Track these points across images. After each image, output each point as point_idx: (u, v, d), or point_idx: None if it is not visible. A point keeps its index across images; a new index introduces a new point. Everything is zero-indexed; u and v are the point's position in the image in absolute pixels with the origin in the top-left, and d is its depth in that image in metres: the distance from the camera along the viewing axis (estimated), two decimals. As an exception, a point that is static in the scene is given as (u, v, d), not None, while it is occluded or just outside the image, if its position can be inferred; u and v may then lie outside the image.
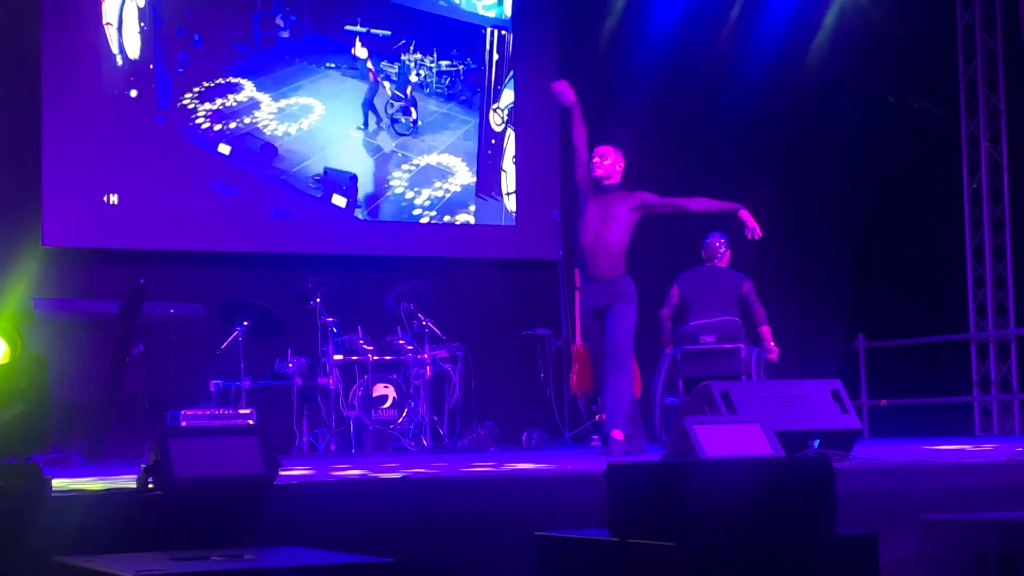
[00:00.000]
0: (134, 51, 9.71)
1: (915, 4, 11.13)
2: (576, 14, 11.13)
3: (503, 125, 10.96)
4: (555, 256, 9.94)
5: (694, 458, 4.97)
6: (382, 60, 10.56)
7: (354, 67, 10.47)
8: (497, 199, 10.84)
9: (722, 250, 9.10)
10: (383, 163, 10.50)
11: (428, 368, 9.19)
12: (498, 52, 10.99)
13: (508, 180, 10.93)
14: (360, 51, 10.41)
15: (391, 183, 10.48)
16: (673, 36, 11.04)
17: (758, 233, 7.92)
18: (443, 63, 10.82)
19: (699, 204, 8.06)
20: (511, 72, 10.99)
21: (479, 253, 10.62)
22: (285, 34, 10.24)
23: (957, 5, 11.28)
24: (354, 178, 10.35)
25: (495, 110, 10.93)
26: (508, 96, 10.98)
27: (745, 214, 7.98)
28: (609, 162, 7.89)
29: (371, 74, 10.48)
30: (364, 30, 10.50)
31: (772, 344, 8.78)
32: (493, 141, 10.90)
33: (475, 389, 9.45)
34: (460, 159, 10.76)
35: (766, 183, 11.22)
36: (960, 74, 11.28)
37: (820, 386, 6.20)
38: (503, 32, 11.02)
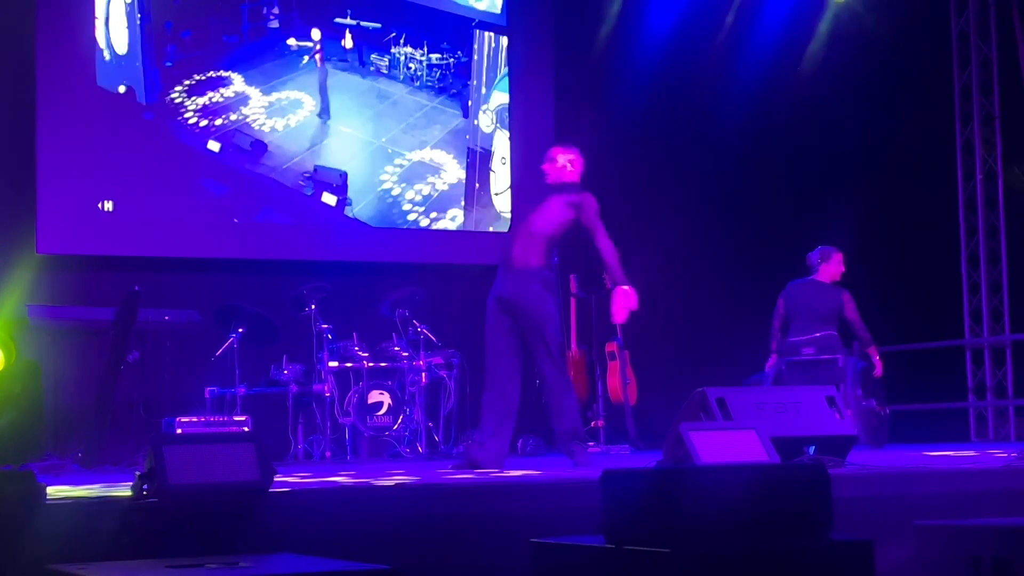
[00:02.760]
0: (122, 46, 9.67)
1: (909, 10, 11.15)
2: (571, 18, 11.13)
3: (492, 126, 10.96)
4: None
5: (690, 464, 4.97)
6: (372, 52, 10.56)
7: (344, 59, 10.44)
8: (485, 198, 10.85)
9: (818, 263, 9.07)
10: (373, 159, 10.48)
11: (423, 374, 9.18)
12: (489, 52, 11.00)
13: (497, 180, 10.94)
14: (315, 33, 10.33)
15: (381, 179, 10.48)
16: (668, 41, 11.06)
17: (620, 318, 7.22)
18: (433, 56, 10.82)
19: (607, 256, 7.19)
20: (501, 73, 10.98)
21: (474, 259, 10.61)
22: (275, 24, 10.18)
23: (951, 11, 11.30)
24: (344, 175, 10.33)
25: (484, 111, 10.93)
26: (497, 97, 10.97)
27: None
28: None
29: (318, 57, 10.42)
30: (354, 22, 10.50)
31: (876, 359, 8.96)
32: (481, 144, 10.90)
33: (470, 395, 9.43)
34: (451, 155, 10.76)
35: (760, 188, 11.24)
36: (955, 80, 11.30)
37: (815, 392, 6.21)
38: (493, 33, 11.01)
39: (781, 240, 10.61)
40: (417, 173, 10.61)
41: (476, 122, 10.86)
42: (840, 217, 11.31)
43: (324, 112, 10.41)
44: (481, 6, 10.95)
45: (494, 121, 10.96)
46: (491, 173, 10.92)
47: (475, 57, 10.93)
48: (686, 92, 11.11)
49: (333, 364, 9.01)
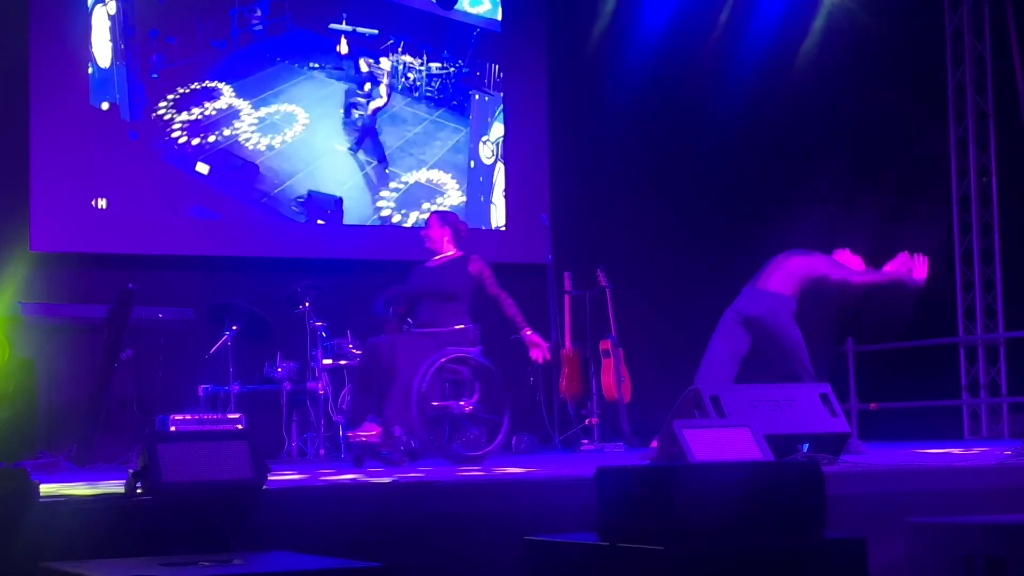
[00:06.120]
0: (104, 60, 9.43)
1: (904, 8, 11.16)
2: (565, 15, 11.12)
3: (493, 158, 10.79)
4: (544, 260, 9.95)
5: (683, 462, 4.97)
6: (369, 60, 10.39)
7: (340, 67, 10.19)
8: (486, 230, 10.75)
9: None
10: (370, 181, 10.28)
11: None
12: (492, 80, 10.77)
13: (497, 213, 10.81)
14: (384, 63, 10.25)
15: (377, 204, 10.28)
16: (662, 40, 11.05)
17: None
18: (433, 65, 10.60)
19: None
20: (500, 103, 10.83)
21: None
22: (259, 27, 9.88)
23: (945, 9, 11.31)
24: (339, 202, 10.09)
25: (484, 142, 10.76)
26: (498, 129, 10.77)
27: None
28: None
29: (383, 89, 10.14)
30: (350, 28, 10.21)
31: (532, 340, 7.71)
32: (482, 175, 10.74)
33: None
34: (450, 175, 10.58)
35: (754, 186, 11.25)
36: (948, 78, 11.31)
37: (809, 390, 6.21)
38: (498, 66, 10.77)
39: (775, 238, 10.59)
40: (416, 197, 10.37)
41: (477, 153, 10.66)
42: (834, 214, 11.33)
43: (382, 160, 10.21)
44: (480, 11, 10.78)
45: (495, 153, 10.79)
46: (492, 206, 10.81)
47: (477, 74, 10.67)
48: (680, 91, 11.11)
49: (327, 362, 8.98)
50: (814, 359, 8.21)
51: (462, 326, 7.37)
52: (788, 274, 7.48)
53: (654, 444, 7.18)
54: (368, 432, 7.00)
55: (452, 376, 7.22)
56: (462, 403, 7.22)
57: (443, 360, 7.07)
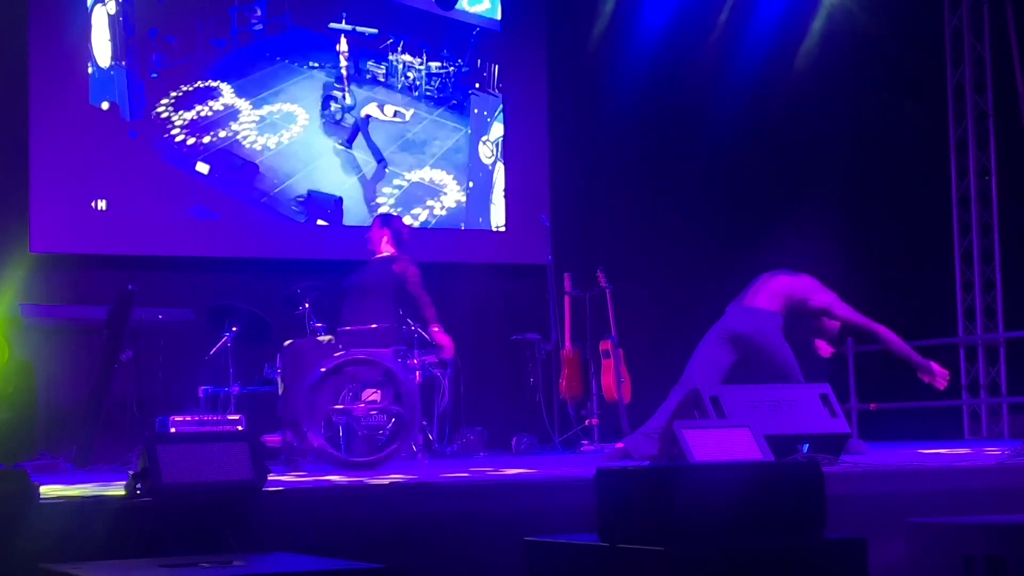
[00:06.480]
0: (104, 59, 9.44)
1: (903, 9, 11.16)
2: (565, 15, 11.12)
3: (493, 158, 10.80)
4: (544, 261, 9.95)
5: (683, 462, 4.97)
6: (369, 60, 10.37)
7: (338, 66, 10.22)
8: (485, 230, 10.75)
9: None
10: (370, 179, 10.29)
11: (417, 373, 9.15)
12: (492, 81, 10.76)
13: (497, 213, 10.82)
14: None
15: (377, 202, 10.31)
16: (662, 40, 11.06)
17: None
18: (433, 64, 10.60)
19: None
20: (501, 105, 10.83)
21: (469, 258, 10.59)
22: (258, 26, 9.89)
23: (945, 9, 11.31)
24: (339, 201, 10.10)
25: (484, 142, 10.77)
26: (498, 129, 10.78)
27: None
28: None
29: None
30: (349, 27, 10.21)
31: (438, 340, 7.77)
32: (482, 175, 10.77)
33: (464, 394, 9.43)
34: (451, 175, 10.59)
35: (754, 187, 11.25)
36: (948, 78, 11.30)
37: (809, 390, 6.21)
38: (498, 66, 10.77)
39: (776, 239, 10.61)
40: (416, 196, 10.37)
41: (477, 153, 10.67)
42: (834, 215, 11.33)
43: (380, 159, 10.20)
44: (479, 11, 10.78)
45: (495, 152, 10.79)
46: (491, 206, 10.81)
47: (476, 84, 10.70)
48: (680, 92, 11.11)
49: (327, 363, 8.98)
50: (812, 367, 8.22)
51: (376, 325, 7.34)
52: (773, 293, 7.44)
53: (619, 445, 7.23)
54: (272, 437, 7.04)
55: (351, 378, 7.05)
56: (362, 406, 7.14)
57: (339, 361, 6.85)
